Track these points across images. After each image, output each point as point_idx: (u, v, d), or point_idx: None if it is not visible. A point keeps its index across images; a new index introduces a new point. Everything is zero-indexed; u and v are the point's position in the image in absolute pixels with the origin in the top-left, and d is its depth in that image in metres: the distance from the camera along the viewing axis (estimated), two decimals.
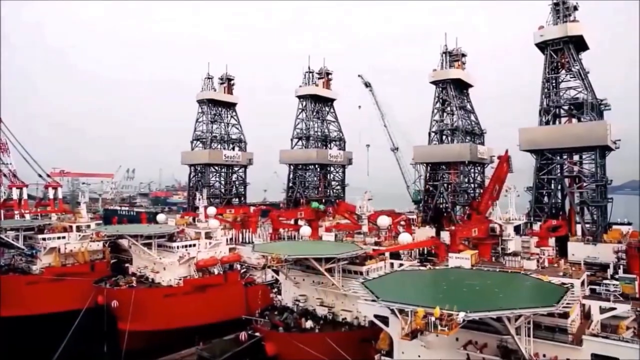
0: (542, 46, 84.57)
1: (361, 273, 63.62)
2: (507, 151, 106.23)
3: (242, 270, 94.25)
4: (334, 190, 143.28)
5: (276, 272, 73.68)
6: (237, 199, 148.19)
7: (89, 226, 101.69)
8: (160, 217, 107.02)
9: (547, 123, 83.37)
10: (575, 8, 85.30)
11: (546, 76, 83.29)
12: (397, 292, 41.89)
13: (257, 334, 63.73)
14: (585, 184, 79.77)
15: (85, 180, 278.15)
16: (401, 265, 67.40)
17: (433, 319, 30.39)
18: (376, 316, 45.98)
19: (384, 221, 74.31)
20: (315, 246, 71.10)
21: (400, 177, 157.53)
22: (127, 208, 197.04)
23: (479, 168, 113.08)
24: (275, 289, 76.38)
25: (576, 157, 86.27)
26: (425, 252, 73.05)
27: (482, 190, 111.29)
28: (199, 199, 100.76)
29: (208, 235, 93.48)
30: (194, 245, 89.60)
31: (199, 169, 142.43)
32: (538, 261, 53.68)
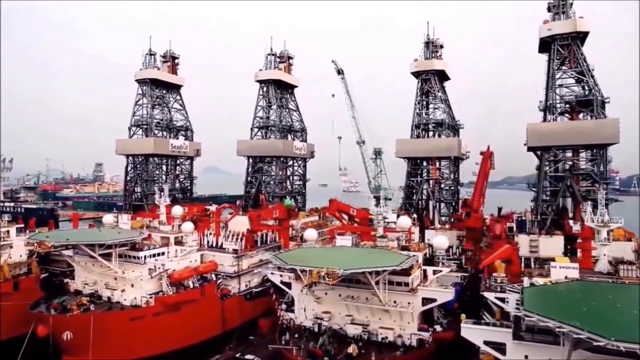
0: (547, 40, 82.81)
1: (406, 284, 54.96)
2: (489, 147, 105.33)
3: (218, 281, 79.58)
4: (295, 186, 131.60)
5: (288, 285, 61.64)
6: (181, 195, 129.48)
7: (8, 232, 78.19)
8: (107, 219, 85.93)
9: (554, 119, 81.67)
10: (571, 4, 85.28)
11: (552, 71, 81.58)
12: (587, 319, 34.40)
13: None
14: (592, 182, 79.29)
15: None
16: (436, 272, 59.62)
17: None
18: (486, 342, 38.58)
19: (405, 222, 65.88)
20: (342, 254, 60.21)
21: (359, 173, 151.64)
22: (11, 204, 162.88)
23: (455, 164, 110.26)
24: (283, 305, 63.90)
25: (570, 154, 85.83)
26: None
27: (459, 187, 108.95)
28: (160, 196, 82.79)
29: (178, 241, 77.05)
30: (163, 253, 73.02)
31: (138, 160, 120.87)
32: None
